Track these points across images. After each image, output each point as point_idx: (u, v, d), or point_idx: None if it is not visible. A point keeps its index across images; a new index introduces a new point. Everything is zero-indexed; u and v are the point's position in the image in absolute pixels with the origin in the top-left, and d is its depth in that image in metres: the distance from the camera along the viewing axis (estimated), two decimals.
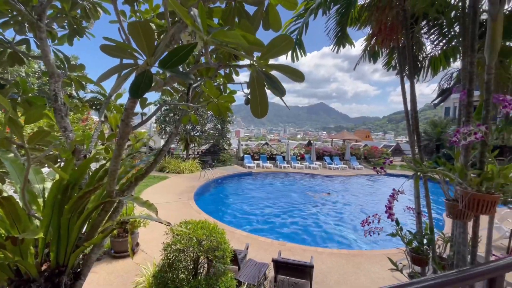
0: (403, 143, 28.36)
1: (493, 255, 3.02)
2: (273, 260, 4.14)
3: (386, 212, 1.75)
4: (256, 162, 18.23)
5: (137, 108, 1.32)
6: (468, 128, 1.63)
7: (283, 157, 19.79)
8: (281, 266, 4.21)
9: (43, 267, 1.27)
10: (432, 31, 3.91)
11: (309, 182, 15.74)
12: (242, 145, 28.22)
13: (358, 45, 4.90)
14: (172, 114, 15.87)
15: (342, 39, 3.98)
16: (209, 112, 17.44)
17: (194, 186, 11.66)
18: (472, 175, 1.60)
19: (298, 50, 3.48)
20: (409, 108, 3.71)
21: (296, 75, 1.08)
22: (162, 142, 18.65)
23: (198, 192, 11.17)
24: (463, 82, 2.16)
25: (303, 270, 4.14)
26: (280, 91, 0.98)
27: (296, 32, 3.37)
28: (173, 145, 18.44)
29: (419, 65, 4.58)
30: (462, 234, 2.06)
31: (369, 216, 2.88)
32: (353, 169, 19.28)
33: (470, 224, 2.08)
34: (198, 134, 17.00)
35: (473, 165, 2.02)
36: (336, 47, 4.14)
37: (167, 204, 9.14)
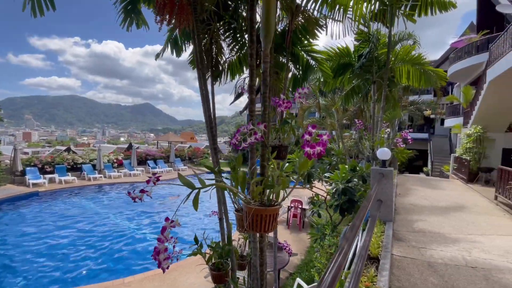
0: (221, 143, 32.26)
1: (279, 243, 3.44)
2: None
3: (154, 257, 1.17)
4: (48, 176, 13.19)
5: None
6: (248, 127, 1.37)
7: (94, 165, 15.89)
8: None
9: None
10: (227, 34, 4.02)
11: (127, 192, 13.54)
12: (27, 153, 20.08)
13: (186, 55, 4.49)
14: None
15: (132, 14, 3.14)
16: None
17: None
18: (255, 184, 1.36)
19: None
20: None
21: None
22: None
23: None
24: (249, 79, 2.04)
25: None
26: None
27: None
28: None
29: (221, 68, 4.68)
30: (253, 243, 1.88)
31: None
32: (178, 171, 19.08)
33: None
34: None
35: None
36: (127, 24, 3.23)
37: None
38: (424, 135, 20.89)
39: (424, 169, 17.76)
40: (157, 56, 4.27)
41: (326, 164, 7.52)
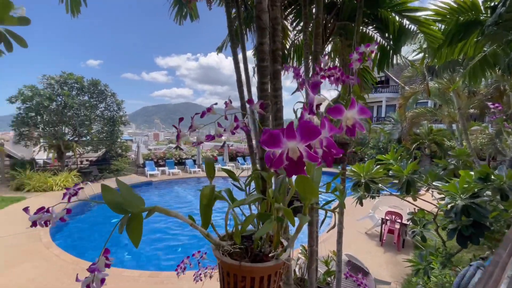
0: None
1: (353, 275, 2.52)
2: None
3: None
4: (160, 168, 16.08)
5: None
6: (226, 109, 0.77)
7: (194, 161, 18.29)
8: None
9: None
10: (289, 10, 3.37)
11: (220, 183, 14.82)
12: (150, 149, 25.28)
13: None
14: (33, 114, 11.94)
15: (184, 9, 2.97)
16: (98, 111, 14.27)
17: (60, 208, 8.88)
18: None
19: None
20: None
21: None
22: (26, 151, 14.24)
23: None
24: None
25: None
26: None
27: None
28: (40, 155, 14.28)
29: (286, 52, 4.08)
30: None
31: (188, 257, 1.90)
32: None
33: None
34: (76, 139, 13.52)
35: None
36: (179, 18, 3.11)
37: (2, 239, 6.42)
38: None
39: None
40: (219, 50, 4.08)
41: (440, 168, 5.63)
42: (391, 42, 3.07)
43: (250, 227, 0.85)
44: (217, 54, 4.05)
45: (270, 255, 0.67)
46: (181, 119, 0.82)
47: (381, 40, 3.17)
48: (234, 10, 3.30)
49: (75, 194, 0.80)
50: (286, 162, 0.34)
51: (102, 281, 0.77)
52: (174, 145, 24.14)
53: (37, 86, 12.27)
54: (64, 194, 0.79)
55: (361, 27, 3.19)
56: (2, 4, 1.54)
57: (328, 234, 6.40)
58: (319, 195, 0.75)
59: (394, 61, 3.17)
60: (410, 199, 4.27)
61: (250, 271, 0.62)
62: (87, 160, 15.12)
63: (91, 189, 10.79)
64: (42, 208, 0.78)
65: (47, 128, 12.49)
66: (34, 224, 0.76)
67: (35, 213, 0.77)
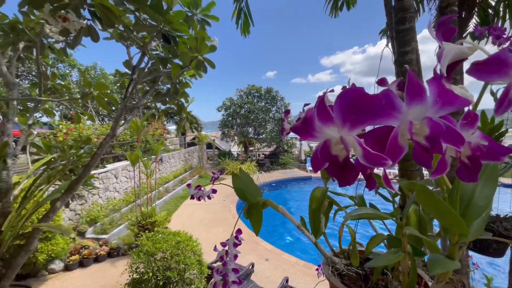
0: None
1: None
2: None
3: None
4: None
5: None
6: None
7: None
8: None
9: None
10: None
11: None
12: (311, 147, 26.92)
13: None
14: (230, 119, 16.28)
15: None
16: (270, 113, 17.12)
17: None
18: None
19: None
20: None
21: None
22: (226, 145, 19.49)
23: None
24: None
25: None
26: None
27: None
28: (235, 148, 19.03)
29: (491, 12, 2.85)
30: None
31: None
32: None
33: None
34: (256, 137, 16.86)
35: None
36: (335, 12, 2.99)
37: (209, 206, 9.27)
38: None
39: None
40: (383, 32, 3.53)
41: None
42: None
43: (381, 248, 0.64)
44: (380, 38, 3.53)
45: None
46: (287, 112, 0.75)
47: None
48: None
49: (217, 178, 0.96)
50: (325, 163, 0.19)
51: (235, 256, 0.87)
52: None
53: (233, 97, 16.60)
54: (211, 178, 0.97)
55: None
56: (201, 38, 2.13)
57: None
58: None
59: None
60: None
61: None
62: (262, 154, 18.48)
63: (264, 177, 13.06)
64: (199, 186, 1.00)
65: (238, 129, 16.57)
66: (192, 197, 0.99)
67: (195, 189, 1.00)
